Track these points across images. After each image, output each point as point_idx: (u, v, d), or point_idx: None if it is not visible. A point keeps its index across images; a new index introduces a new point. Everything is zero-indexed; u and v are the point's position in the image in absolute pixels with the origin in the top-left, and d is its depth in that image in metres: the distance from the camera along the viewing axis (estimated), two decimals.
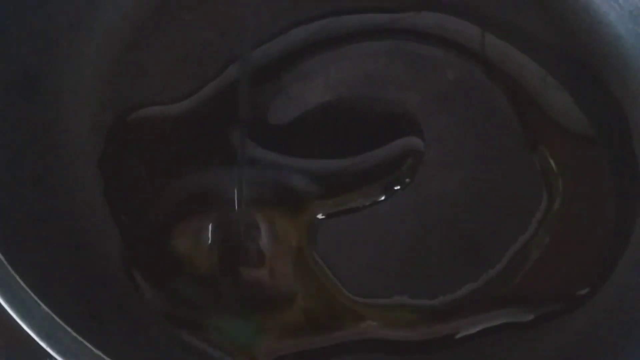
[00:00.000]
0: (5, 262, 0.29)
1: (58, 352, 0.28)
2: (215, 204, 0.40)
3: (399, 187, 0.40)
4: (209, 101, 0.41)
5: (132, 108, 0.41)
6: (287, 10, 0.44)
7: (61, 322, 0.28)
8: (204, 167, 0.41)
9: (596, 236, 0.40)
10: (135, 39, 0.43)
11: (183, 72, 0.42)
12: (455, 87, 0.43)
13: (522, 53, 0.44)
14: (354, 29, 0.44)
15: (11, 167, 0.37)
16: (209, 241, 0.39)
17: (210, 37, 0.43)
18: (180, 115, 0.41)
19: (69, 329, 0.28)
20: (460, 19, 0.44)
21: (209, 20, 0.43)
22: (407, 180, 0.41)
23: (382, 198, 0.40)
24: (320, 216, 0.39)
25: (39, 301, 0.28)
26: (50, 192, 0.38)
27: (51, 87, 0.40)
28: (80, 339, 0.28)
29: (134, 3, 0.43)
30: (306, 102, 0.42)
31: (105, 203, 0.39)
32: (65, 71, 0.41)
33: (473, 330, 0.38)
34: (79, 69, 0.41)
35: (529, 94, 0.43)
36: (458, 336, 0.38)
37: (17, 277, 0.29)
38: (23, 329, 0.28)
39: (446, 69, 0.43)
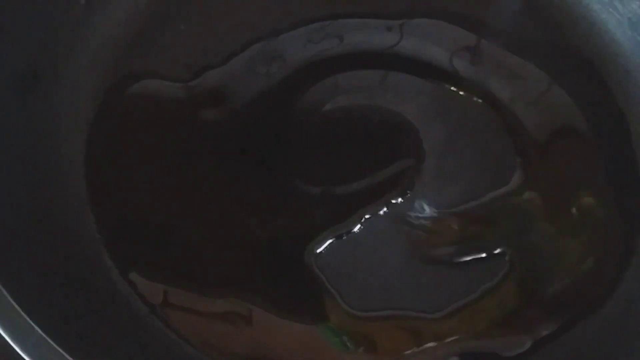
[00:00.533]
0: None
1: None
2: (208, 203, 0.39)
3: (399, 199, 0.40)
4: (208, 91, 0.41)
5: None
6: (283, 19, 0.43)
7: (55, 345, 0.28)
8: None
9: (598, 248, 0.39)
10: (131, 49, 0.42)
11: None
12: (453, 95, 0.42)
13: (521, 60, 0.43)
14: (353, 37, 0.43)
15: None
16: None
17: (205, 46, 0.43)
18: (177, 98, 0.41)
19: (64, 353, 0.28)
20: (457, 27, 0.44)
21: (205, 30, 0.43)
22: (407, 192, 0.40)
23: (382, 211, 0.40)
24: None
25: (32, 324, 0.28)
26: (43, 200, 0.37)
27: (45, 94, 0.40)
28: None
29: (130, 13, 0.43)
30: (305, 113, 0.41)
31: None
32: (58, 80, 0.40)
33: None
34: (74, 79, 0.41)
35: (527, 99, 0.42)
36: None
37: (11, 299, 0.28)
38: (17, 352, 0.28)
39: (442, 77, 0.43)
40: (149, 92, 0.42)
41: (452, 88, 0.43)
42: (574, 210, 0.40)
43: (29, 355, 0.27)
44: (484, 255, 0.39)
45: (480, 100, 0.42)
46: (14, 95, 0.38)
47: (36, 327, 0.27)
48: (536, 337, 0.38)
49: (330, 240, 0.39)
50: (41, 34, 0.40)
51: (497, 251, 0.39)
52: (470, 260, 0.39)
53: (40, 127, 0.39)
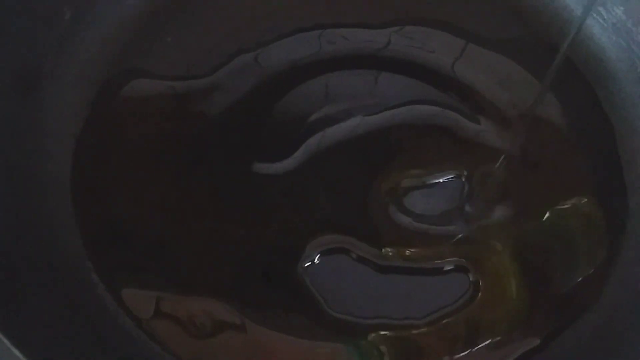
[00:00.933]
0: None
1: None
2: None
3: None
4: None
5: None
6: (270, 31, 0.43)
7: None
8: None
9: (584, 253, 0.39)
10: (118, 63, 0.42)
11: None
12: (441, 99, 0.42)
13: (510, 63, 0.43)
14: (340, 45, 0.43)
15: None
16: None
17: (192, 57, 0.43)
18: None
19: None
20: (445, 33, 0.44)
21: (191, 43, 0.43)
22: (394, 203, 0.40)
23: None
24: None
25: (10, 345, 0.28)
26: (28, 214, 0.38)
27: (30, 108, 0.40)
28: None
29: (116, 27, 0.43)
30: (292, 123, 0.42)
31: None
32: (44, 94, 0.40)
33: None
34: (59, 93, 0.41)
35: (516, 103, 0.42)
36: None
37: None
38: None
39: (432, 82, 0.43)
40: (135, 105, 0.42)
41: (441, 92, 0.43)
42: (559, 216, 0.40)
43: None
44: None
45: (467, 105, 0.42)
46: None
47: (14, 349, 0.27)
48: (526, 346, 0.38)
49: (317, 254, 0.39)
50: (26, 49, 0.40)
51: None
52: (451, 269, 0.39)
53: (26, 141, 0.39)
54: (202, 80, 0.42)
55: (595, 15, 0.43)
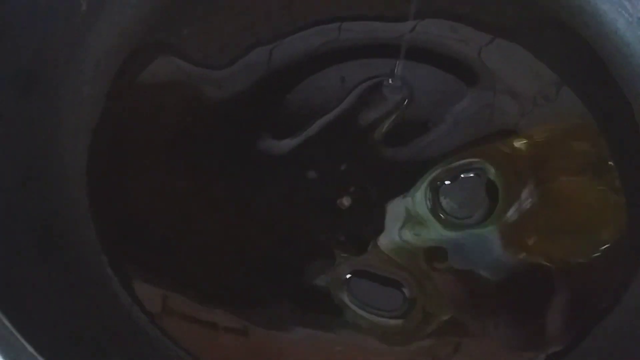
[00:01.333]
0: None
1: None
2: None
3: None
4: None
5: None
6: (287, 23, 0.43)
7: None
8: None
9: (606, 253, 0.39)
10: (133, 55, 0.42)
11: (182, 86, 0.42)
12: (462, 94, 0.42)
13: (529, 60, 0.43)
14: (357, 36, 0.43)
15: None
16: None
17: (208, 51, 0.42)
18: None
19: None
20: (466, 26, 0.43)
21: (208, 35, 0.43)
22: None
23: None
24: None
25: (25, 343, 0.27)
26: (43, 208, 0.38)
27: (46, 100, 0.40)
28: None
29: (132, 19, 0.43)
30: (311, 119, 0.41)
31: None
32: (60, 86, 0.40)
33: None
34: (75, 85, 0.41)
35: (536, 98, 0.42)
36: None
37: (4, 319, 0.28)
38: None
39: (455, 72, 0.43)
40: (150, 97, 0.42)
41: (462, 85, 0.42)
42: (580, 214, 0.40)
43: None
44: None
45: (488, 101, 0.42)
46: (14, 101, 0.38)
47: (27, 345, 0.27)
48: (547, 352, 0.37)
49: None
50: (41, 41, 0.39)
51: None
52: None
53: (41, 134, 0.39)
54: (219, 72, 0.42)
55: (620, 9, 0.42)
